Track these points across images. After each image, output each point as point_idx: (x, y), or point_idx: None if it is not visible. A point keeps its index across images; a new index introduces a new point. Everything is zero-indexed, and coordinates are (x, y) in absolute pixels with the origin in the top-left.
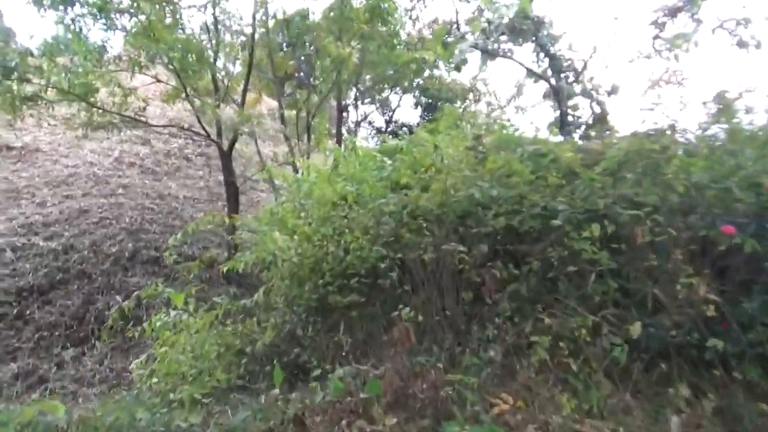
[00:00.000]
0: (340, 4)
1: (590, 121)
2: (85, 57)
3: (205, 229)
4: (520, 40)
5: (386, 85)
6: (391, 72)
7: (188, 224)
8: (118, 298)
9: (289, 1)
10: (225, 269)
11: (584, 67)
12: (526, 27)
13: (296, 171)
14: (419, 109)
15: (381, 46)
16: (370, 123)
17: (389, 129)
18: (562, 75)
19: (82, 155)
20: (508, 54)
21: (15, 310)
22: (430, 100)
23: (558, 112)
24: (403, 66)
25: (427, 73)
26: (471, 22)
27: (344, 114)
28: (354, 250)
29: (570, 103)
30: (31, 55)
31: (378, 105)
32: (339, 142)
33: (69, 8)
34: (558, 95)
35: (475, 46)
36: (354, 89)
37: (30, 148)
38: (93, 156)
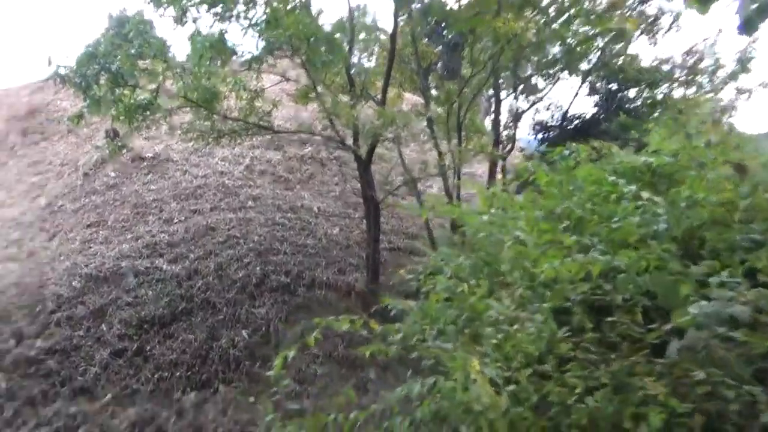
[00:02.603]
0: None
1: None
2: (201, 56)
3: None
4: None
5: (556, 69)
6: (561, 52)
7: (321, 241)
8: (244, 333)
9: None
10: (368, 353)
11: None
12: None
13: (449, 193)
14: (596, 97)
15: (553, 20)
16: (533, 118)
17: (562, 124)
18: None
19: (212, 164)
20: None
21: (135, 345)
22: (613, 86)
23: None
24: (583, 43)
25: (612, 50)
26: None
27: (500, 107)
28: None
29: None
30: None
31: (540, 95)
32: (497, 142)
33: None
34: None
35: None
36: (513, 77)
37: (161, 158)
38: (223, 164)
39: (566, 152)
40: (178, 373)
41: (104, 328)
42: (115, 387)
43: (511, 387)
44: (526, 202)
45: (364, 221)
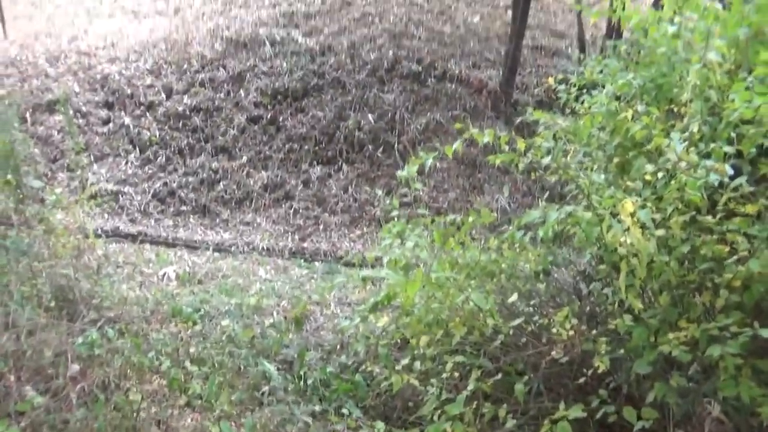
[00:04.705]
0: None
1: None
2: None
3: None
4: None
5: None
6: None
7: (459, 29)
8: (370, 117)
9: None
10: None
11: None
12: None
13: None
14: None
15: None
16: None
17: None
18: None
19: None
20: None
21: (269, 114)
22: None
23: None
24: None
25: None
26: None
27: None
28: None
29: None
30: None
31: None
32: None
33: None
34: None
35: None
36: None
37: None
38: None
39: None
40: (306, 147)
41: (242, 94)
42: (250, 150)
43: (660, 232)
44: (735, 12)
45: (510, 11)
